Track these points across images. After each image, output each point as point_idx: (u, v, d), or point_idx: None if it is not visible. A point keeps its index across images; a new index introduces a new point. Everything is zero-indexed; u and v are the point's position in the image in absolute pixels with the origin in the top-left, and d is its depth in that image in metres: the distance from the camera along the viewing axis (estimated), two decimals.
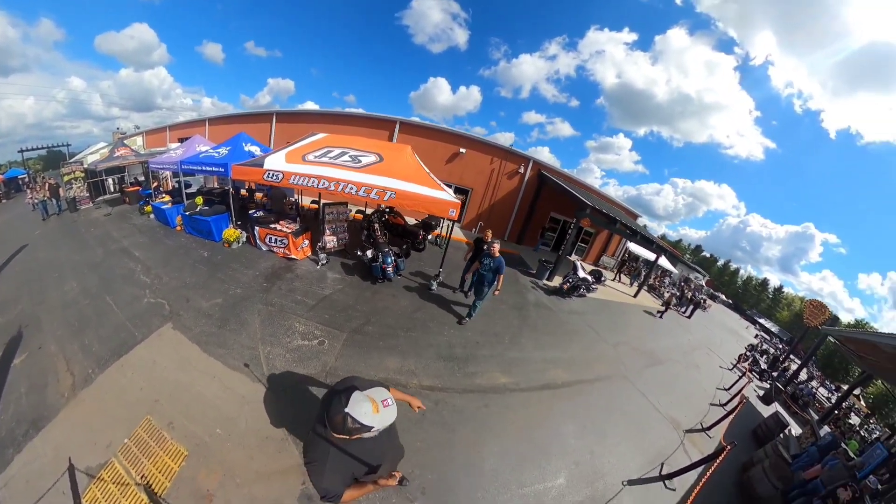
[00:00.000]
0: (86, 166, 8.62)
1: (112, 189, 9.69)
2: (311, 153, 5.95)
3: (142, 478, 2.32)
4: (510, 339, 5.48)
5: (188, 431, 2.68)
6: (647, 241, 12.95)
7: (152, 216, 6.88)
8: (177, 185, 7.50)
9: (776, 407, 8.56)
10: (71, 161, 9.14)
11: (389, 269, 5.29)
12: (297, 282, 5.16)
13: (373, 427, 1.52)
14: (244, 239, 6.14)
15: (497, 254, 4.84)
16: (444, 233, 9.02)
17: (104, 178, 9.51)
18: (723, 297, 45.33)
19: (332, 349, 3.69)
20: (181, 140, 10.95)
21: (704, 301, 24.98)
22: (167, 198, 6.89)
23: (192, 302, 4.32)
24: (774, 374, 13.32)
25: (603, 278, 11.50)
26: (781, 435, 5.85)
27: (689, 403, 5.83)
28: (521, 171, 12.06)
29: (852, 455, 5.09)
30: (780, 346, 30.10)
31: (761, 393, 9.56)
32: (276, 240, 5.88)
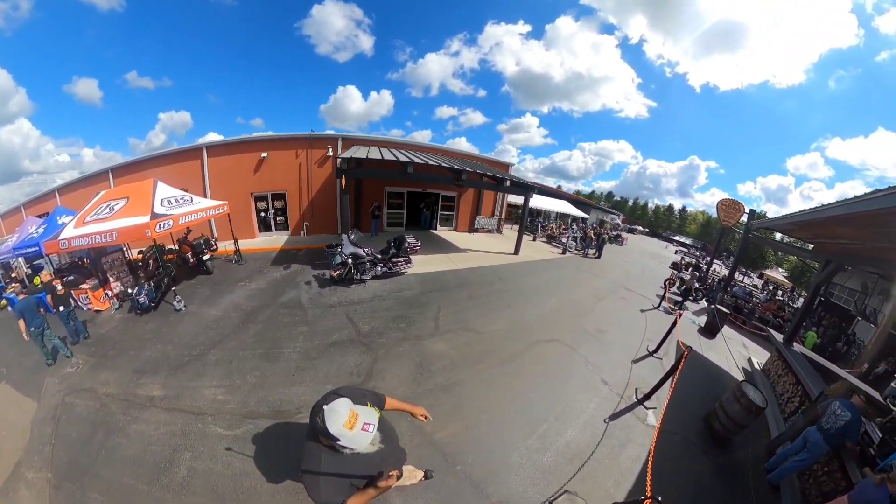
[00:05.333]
0: None
1: None
2: (90, 214, 8.12)
3: None
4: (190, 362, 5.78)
5: None
6: (500, 183, 12.38)
7: (8, 308, 9.12)
8: (30, 272, 10.22)
9: (724, 339, 7.55)
10: None
11: (141, 299, 7.69)
12: (92, 328, 7.86)
13: (338, 439, 1.64)
14: (73, 304, 8.95)
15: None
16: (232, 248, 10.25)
17: None
18: (640, 227, 57.72)
19: (79, 372, 6.47)
20: (40, 216, 13.02)
21: (619, 236, 27.89)
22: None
23: (20, 363, 7.26)
24: (707, 289, 13.09)
25: (407, 245, 9.52)
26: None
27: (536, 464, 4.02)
28: (331, 153, 13.22)
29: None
30: (698, 254, 37.66)
31: (701, 321, 8.35)
32: (83, 297, 8.65)
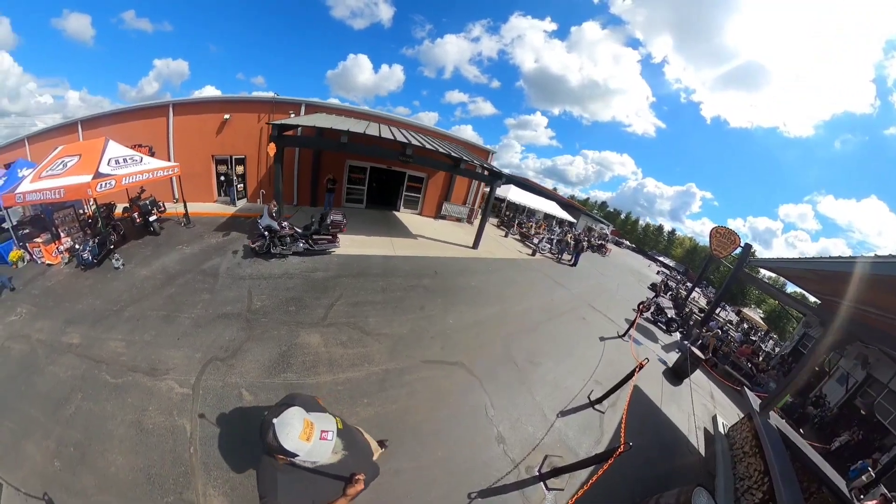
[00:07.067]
0: None
1: None
2: (46, 169, 8.57)
3: None
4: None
5: None
6: (457, 164, 11.38)
7: None
8: None
9: (690, 387, 6.45)
10: None
11: (85, 255, 8.39)
12: (41, 281, 8.75)
13: (296, 455, 1.51)
14: (27, 257, 9.86)
15: None
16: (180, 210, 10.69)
17: None
18: (627, 242, 59.71)
19: (21, 320, 7.28)
20: (7, 166, 13.59)
21: (603, 246, 27.71)
22: None
23: None
24: (682, 322, 11.71)
25: (330, 222, 9.07)
26: None
27: None
28: (293, 119, 12.86)
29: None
30: (679, 277, 38.43)
31: (671, 356, 7.27)
32: (37, 251, 9.54)
